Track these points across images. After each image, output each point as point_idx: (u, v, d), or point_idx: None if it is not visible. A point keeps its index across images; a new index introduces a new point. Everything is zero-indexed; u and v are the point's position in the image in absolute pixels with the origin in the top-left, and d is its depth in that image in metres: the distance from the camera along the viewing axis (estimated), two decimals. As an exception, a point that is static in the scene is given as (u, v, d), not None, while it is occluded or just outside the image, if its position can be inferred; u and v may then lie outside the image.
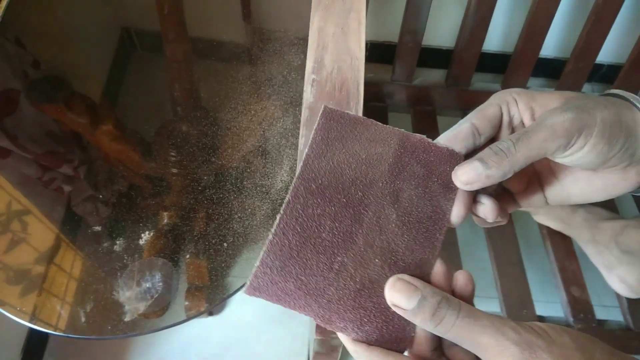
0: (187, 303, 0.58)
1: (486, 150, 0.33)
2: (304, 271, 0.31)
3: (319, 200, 0.33)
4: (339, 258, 0.32)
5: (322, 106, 0.36)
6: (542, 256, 0.86)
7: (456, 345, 0.31)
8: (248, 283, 0.31)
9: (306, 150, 0.35)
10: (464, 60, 0.97)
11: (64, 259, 0.63)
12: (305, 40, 0.78)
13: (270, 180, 0.64)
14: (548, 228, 0.85)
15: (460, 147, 0.35)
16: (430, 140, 0.36)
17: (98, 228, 0.63)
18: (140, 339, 1.08)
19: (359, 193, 0.33)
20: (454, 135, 0.35)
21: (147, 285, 0.56)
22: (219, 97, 0.73)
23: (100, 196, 0.70)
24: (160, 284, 0.56)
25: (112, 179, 0.72)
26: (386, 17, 1.19)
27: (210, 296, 0.58)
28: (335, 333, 0.59)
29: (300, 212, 0.32)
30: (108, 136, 0.76)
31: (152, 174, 0.70)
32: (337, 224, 0.32)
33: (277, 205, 0.62)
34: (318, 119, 0.35)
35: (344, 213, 0.33)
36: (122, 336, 0.53)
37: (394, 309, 0.31)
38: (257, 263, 0.31)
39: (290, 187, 0.33)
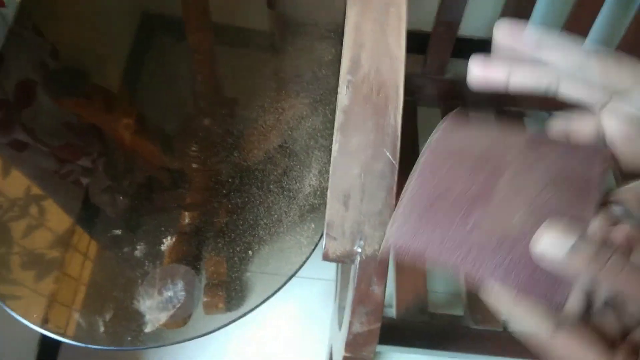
0: (208, 312, 0.56)
1: None
2: (442, 225, 0.31)
3: (457, 156, 0.33)
4: (476, 213, 0.31)
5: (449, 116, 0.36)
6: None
7: (608, 309, 0.27)
8: (385, 237, 0.31)
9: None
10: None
11: (81, 264, 0.61)
12: (337, 33, 0.74)
13: (298, 184, 0.60)
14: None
15: None
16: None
17: (118, 231, 0.61)
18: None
19: (498, 152, 0.33)
20: None
21: (169, 294, 0.54)
22: (245, 93, 0.70)
23: (119, 189, 0.68)
24: (183, 293, 0.54)
25: (131, 172, 0.70)
26: (419, 3, 1.13)
27: (234, 306, 0.55)
28: (364, 351, 0.55)
29: (438, 165, 0.32)
30: (128, 130, 0.74)
31: (174, 174, 0.67)
32: (475, 177, 0.32)
33: (304, 211, 0.59)
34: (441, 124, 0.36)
35: (481, 167, 0.32)
36: (142, 348, 0.50)
37: (544, 259, 0.27)
38: (393, 219, 0.31)
39: (427, 143, 0.33)
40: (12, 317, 0.54)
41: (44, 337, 0.98)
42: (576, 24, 0.86)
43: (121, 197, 0.67)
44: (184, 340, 0.52)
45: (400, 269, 0.75)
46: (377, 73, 0.52)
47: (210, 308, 0.58)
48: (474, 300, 0.73)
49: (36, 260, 0.61)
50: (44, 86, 0.71)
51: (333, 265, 1.13)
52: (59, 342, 1.03)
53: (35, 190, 0.68)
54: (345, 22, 0.54)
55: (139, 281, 0.55)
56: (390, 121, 0.50)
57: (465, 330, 0.72)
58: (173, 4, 0.86)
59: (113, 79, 0.78)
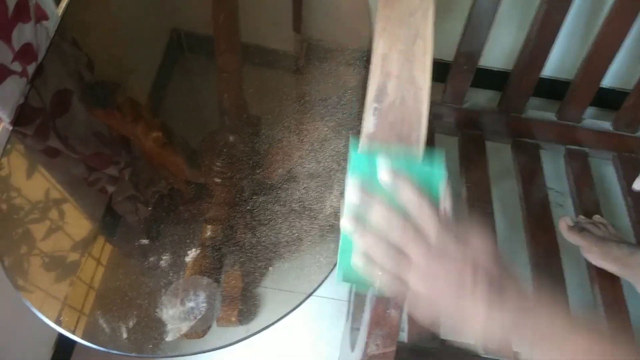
0: (221, 325, 0.57)
1: None
2: None
3: None
4: None
5: None
6: (589, 296, 0.83)
7: None
8: None
9: None
10: (521, 84, 0.94)
11: (94, 269, 0.63)
12: (362, 60, 0.77)
13: (319, 204, 0.62)
14: (597, 270, 0.81)
15: None
16: None
17: (139, 240, 0.62)
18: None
19: None
20: None
21: (191, 305, 0.55)
22: (270, 113, 0.72)
23: (141, 198, 0.70)
24: (204, 304, 0.55)
25: (155, 183, 0.72)
26: (441, 34, 1.16)
27: (248, 320, 0.57)
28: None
29: None
30: (155, 142, 0.76)
31: (197, 187, 0.69)
32: None
33: (325, 231, 0.61)
34: None
35: None
36: (161, 356, 0.52)
37: None
38: None
39: None
40: (29, 319, 0.55)
41: (58, 341, 1.00)
42: (598, 56, 0.88)
43: (143, 206, 0.69)
44: (202, 352, 0.53)
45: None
46: (402, 102, 0.54)
47: (223, 321, 0.59)
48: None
49: (56, 264, 0.63)
50: (78, 96, 0.74)
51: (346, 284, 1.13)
52: (72, 346, 1.04)
53: (55, 194, 0.70)
54: (373, 51, 0.56)
55: (162, 290, 0.56)
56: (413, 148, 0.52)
57: (475, 358, 0.72)
58: (203, 23, 0.89)
59: (144, 92, 0.81)
